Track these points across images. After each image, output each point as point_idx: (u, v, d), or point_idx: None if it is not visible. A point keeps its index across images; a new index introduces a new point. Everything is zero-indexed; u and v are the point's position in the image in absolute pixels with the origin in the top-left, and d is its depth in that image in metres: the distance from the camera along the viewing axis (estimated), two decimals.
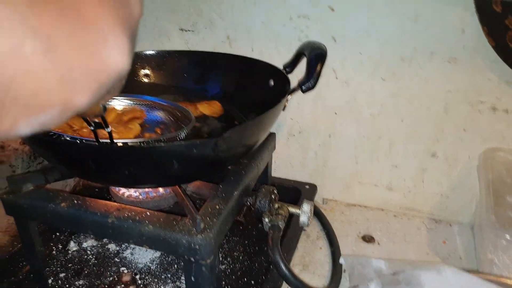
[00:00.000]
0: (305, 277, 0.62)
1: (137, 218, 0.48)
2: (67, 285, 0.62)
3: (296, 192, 0.80)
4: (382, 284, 0.54)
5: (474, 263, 0.65)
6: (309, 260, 0.66)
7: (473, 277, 0.54)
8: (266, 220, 0.56)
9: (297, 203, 0.76)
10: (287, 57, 0.71)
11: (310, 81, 0.56)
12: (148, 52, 0.74)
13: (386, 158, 0.75)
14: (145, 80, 0.75)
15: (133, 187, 0.61)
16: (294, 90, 0.57)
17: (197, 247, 0.45)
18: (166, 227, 0.46)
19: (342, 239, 0.70)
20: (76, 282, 0.62)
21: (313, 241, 0.70)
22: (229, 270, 0.64)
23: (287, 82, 0.58)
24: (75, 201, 0.51)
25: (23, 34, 0.17)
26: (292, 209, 0.59)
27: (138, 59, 0.74)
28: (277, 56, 0.73)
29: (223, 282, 0.62)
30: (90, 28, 0.19)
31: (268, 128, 0.54)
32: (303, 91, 0.56)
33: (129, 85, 0.72)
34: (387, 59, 0.67)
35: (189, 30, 0.78)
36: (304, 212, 0.58)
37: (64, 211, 0.50)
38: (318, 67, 0.56)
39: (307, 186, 0.80)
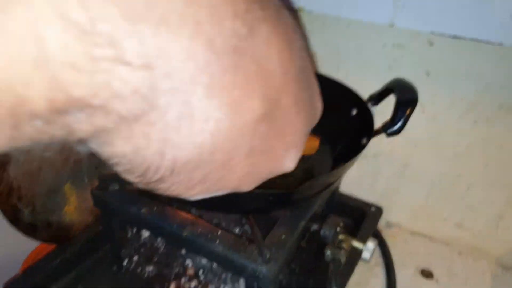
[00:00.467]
0: None
1: (209, 236, 0.53)
2: (139, 268, 0.70)
3: (361, 212, 0.81)
4: None
5: None
6: None
7: None
8: (328, 252, 0.59)
9: (360, 223, 0.78)
10: (373, 85, 0.70)
11: (396, 125, 0.55)
12: None
13: (462, 198, 0.73)
14: None
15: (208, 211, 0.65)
16: (377, 133, 0.57)
17: (260, 276, 0.49)
18: (235, 250, 0.51)
19: (400, 270, 0.71)
20: (147, 268, 0.70)
21: (371, 268, 0.72)
22: (284, 282, 0.69)
23: (371, 120, 0.58)
24: (155, 208, 0.57)
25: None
26: (356, 244, 0.61)
27: None
28: (363, 81, 0.72)
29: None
30: (283, 138, 0.21)
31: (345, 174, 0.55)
32: (388, 135, 0.56)
33: None
34: (483, 103, 0.63)
35: None
36: (367, 249, 0.60)
37: (144, 216, 0.56)
38: (408, 112, 0.55)
39: (372, 208, 0.81)
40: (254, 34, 0.17)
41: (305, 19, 0.73)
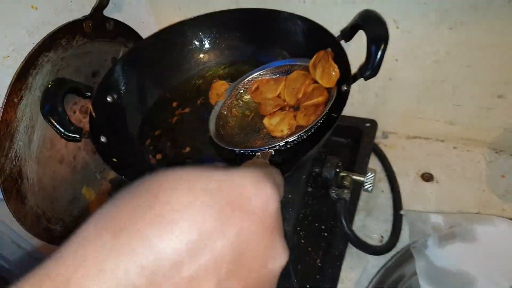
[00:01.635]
0: (369, 223, 0.72)
1: None
2: None
3: (357, 129, 0.84)
4: (439, 239, 0.63)
5: None
6: (372, 205, 0.75)
7: None
8: (333, 192, 0.64)
9: (358, 141, 0.83)
10: (344, 9, 0.68)
11: (371, 68, 0.56)
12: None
13: (450, 99, 0.75)
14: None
15: None
16: (355, 79, 0.57)
17: None
18: None
19: (402, 179, 0.77)
20: None
21: (376, 184, 0.78)
22: (301, 216, 0.76)
23: (347, 64, 0.58)
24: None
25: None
26: (357, 178, 0.66)
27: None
28: (333, 6, 0.70)
29: (298, 228, 0.74)
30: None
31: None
32: (365, 79, 0.57)
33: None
34: (457, 9, 0.61)
35: None
36: (368, 181, 0.65)
37: None
38: (379, 54, 0.54)
39: (367, 124, 0.84)
40: None
41: None
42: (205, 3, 0.80)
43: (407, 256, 0.62)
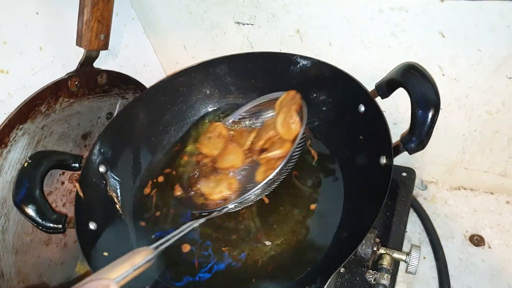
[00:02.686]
0: None
1: None
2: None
3: (392, 181, 0.73)
4: None
5: None
6: (413, 276, 0.64)
7: None
8: (370, 277, 0.54)
9: (393, 194, 0.71)
10: (378, 53, 0.58)
11: (417, 140, 0.45)
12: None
13: (503, 151, 0.63)
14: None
15: None
16: (397, 152, 0.46)
17: None
18: None
19: (447, 242, 0.66)
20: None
21: None
22: None
23: (387, 133, 0.47)
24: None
25: None
26: (398, 256, 0.55)
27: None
28: (363, 50, 0.59)
29: None
30: None
31: None
32: (410, 153, 0.46)
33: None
34: None
35: (247, 24, 0.64)
36: (412, 262, 0.54)
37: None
38: (428, 123, 0.44)
39: (404, 173, 0.73)
40: None
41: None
42: (213, 43, 0.70)
43: None
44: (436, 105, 0.44)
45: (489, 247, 0.65)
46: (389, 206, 0.72)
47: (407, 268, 0.55)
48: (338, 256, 0.45)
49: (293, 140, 0.53)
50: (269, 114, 0.60)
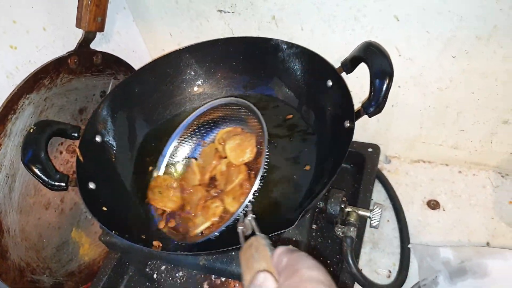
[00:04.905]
0: (376, 257, 0.69)
1: (225, 260, 0.55)
2: (170, 278, 0.74)
3: (359, 155, 0.81)
4: (450, 275, 0.60)
5: None
6: (378, 236, 0.72)
7: None
8: (339, 230, 0.61)
9: (361, 167, 0.80)
10: (343, 36, 0.66)
11: (375, 105, 0.53)
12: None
13: (453, 124, 0.72)
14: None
15: None
16: (358, 116, 0.54)
17: None
18: None
19: (407, 207, 0.74)
20: (176, 274, 0.74)
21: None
22: (307, 251, 0.73)
23: (350, 99, 0.55)
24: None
25: None
26: (363, 213, 0.63)
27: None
28: (331, 34, 0.67)
29: None
30: None
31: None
32: (370, 116, 0.54)
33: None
34: (460, 38, 0.59)
35: (228, 12, 0.71)
36: (375, 217, 0.62)
37: (158, 254, 0.58)
38: (384, 90, 0.52)
39: (370, 149, 0.81)
40: None
41: None
42: (197, 31, 0.77)
43: None
44: (390, 75, 0.52)
45: (444, 210, 0.74)
46: (357, 178, 0.80)
47: (370, 223, 0.63)
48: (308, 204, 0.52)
49: (249, 163, 0.57)
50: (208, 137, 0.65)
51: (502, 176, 0.76)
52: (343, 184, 0.81)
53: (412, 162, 0.82)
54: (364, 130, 0.82)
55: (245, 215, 0.48)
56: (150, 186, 0.61)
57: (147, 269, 0.75)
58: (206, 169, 0.61)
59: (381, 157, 0.84)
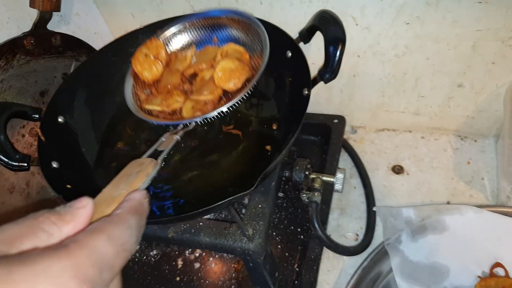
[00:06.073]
0: (343, 222, 0.72)
1: (193, 230, 0.56)
2: (144, 256, 0.75)
3: (325, 127, 0.83)
4: (412, 233, 0.63)
5: (495, 183, 0.71)
6: (345, 202, 0.75)
7: (492, 214, 0.62)
8: (304, 196, 0.63)
9: (328, 138, 0.82)
10: (301, 8, 0.67)
11: (330, 71, 0.54)
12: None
13: (412, 90, 0.75)
14: None
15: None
16: (315, 83, 0.56)
17: (250, 252, 0.53)
18: (219, 236, 0.54)
19: (373, 173, 0.77)
20: (151, 253, 0.75)
21: (347, 181, 0.78)
22: (276, 220, 0.75)
23: (307, 68, 0.56)
24: None
25: None
26: (327, 178, 0.65)
27: None
28: (289, 7, 0.68)
29: (274, 233, 0.73)
30: None
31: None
32: (326, 82, 0.55)
33: None
34: (411, 4, 0.61)
35: None
36: (338, 181, 0.64)
37: None
38: (338, 56, 0.53)
39: (335, 120, 0.83)
40: None
41: None
42: (159, 10, 0.77)
43: (382, 253, 0.62)
44: (343, 41, 0.53)
45: (407, 174, 0.77)
46: (324, 149, 0.82)
47: (334, 187, 0.65)
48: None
49: (228, 92, 0.55)
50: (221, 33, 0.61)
51: (461, 139, 0.79)
52: (312, 156, 0.83)
53: (377, 131, 0.85)
54: (329, 102, 0.84)
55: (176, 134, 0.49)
56: (141, 46, 0.59)
57: None
58: (194, 64, 0.59)
59: (348, 128, 0.86)
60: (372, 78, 0.75)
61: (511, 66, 0.65)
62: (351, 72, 0.75)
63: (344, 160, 0.81)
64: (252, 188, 0.47)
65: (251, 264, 0.57)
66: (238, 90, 0.55)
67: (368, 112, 0.83)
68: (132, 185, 0.32)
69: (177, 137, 0.50)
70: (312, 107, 0.85)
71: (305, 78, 0.57)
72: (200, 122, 0.52)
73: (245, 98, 0.52)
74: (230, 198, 0.45)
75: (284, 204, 0.76)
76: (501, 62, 0.65)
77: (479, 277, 0.59)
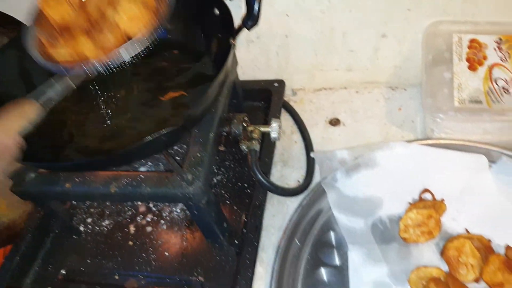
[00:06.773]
0: (286, 173, 0.75)
1: (134, 183, 0.57)
2: (96, 228, 0.76)
3: (267, 91, 0.87)
4: (346, 171, 0.67)
5: (424, 123, 0.77)
6: (287, 156, 0.78)
7: (418, 145, 0.67)
8: (244, 146, 0.66)
9: (269, 101, 0.85)
10: None
11: (251, 18, 0.58)
12: None
13: (342, 46, 0.80)
14: None
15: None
16: (240, 30, 0.59)
17: (191, 196, 0.55)
18: (161, 186, 0.56)
19: (312, 128, 0.81)
20: (103, 223, 0.76)
21: (289, 137, 0.81)
22: (225, 180, 0.77)
23: (231, 18, 0.60)
24: (77, 179, 0.58)
25: None
26: (264, 129, 0.68)
27: None
28: None
29: (222, 191, 0.76)
30: None
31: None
32: (248, 29, 0.59)
33: None
34: None
35: None
36: (273, 130, 0.67)
37: (70, 191, 0.58)
38: (257, 5, 0.57)
39: (275, 84, 0.87)
40: None
41: None
42: None
43: (320, 192, 0.66)
44: None
45: (344, 125, 0.81)
46: (265, 110, 0.86)
47: (270, 136, 0.69)
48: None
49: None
50: None
51: (392, 90, 0.85)
52: (256, 120, 0.87)
53: (315, 91, 0.89)
54: (268, 67, 0.88)
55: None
56: None
57: (73, 223, 0.76)
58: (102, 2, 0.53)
59: (289, 92, 0.90)
60: (303, 37, 0.79)
61: (426, 11, 0.71)
62: (283, 32, 0.79)
63: (286, 119, 0.85)
64: (179, 125, 0.50)
65: (195, 212, 0.60)
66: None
67: (306, 74, 0.87)
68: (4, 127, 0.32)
69: (70, 82, 0.46)
70: (253, 74, 0.89)
71: (231, 29, 0.60)
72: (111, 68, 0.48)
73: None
74: (162, 132, 0.48)
75: (232, 165, 0.79)
76: (417, 8, 0.70)
77: (409, 203, 0.64)
